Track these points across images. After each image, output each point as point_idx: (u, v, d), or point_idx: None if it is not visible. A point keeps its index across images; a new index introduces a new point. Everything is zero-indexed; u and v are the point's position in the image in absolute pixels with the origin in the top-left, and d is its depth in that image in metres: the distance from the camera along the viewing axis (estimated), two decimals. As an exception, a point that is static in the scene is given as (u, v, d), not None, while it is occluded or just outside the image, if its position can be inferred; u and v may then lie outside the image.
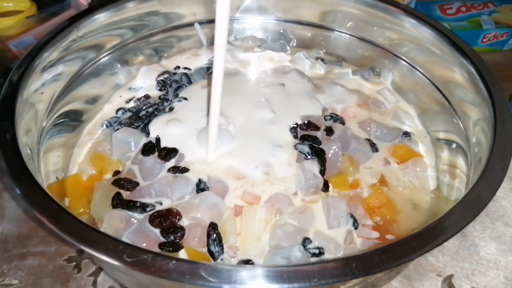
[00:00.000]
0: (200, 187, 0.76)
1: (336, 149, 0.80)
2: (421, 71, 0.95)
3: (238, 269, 0.52)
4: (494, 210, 0.94)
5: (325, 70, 1.04)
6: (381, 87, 1.00)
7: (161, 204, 0.75)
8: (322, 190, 0.78)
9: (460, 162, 0.80)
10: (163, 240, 0.71)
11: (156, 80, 0.99)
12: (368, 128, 0.89)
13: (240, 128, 0.85)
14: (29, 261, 0.84)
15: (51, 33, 0.83)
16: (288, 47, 1.09)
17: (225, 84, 0.95)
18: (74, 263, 0.84)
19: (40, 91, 0.79)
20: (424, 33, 0.91)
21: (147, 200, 0.75)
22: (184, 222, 0.72)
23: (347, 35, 1.04)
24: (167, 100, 0.93)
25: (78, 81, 0.90)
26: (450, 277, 0.83)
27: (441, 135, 0.90)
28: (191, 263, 0.53)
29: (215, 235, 0.70)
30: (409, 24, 0.93)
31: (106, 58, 0.96)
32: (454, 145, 0.84)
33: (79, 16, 0.88)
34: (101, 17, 0.90)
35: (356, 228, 0.75)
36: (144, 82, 0.98)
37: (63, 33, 0.84)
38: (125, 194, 0.77)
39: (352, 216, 0.76)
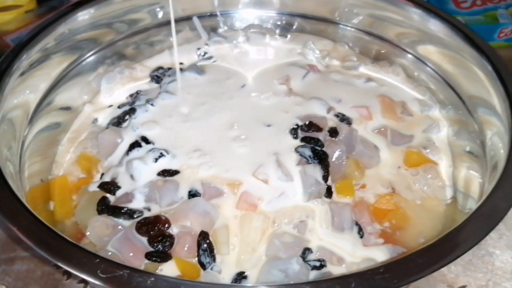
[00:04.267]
0: (192, 192, 0.70)
1: (340, 152, 0.74)
2: (432, 67, 0.89)
3: (222, 287, 0.47)
4: (511, 216, 0.87)
5: (338, 62, 0.97)
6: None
7: (149, 210, 0.70)
8: (325, 197, 0.72)
9: (475, 168, 0.74)
10: (151, 249, 0.66)
11: (150, 75, 0.95)
12: (382, 135, 0.83)
13: (236, 129, 0.80)
14: (17, 266, 0.80)
15: (28, 35, 0.79)
16: (289, 36, 1.03)
17: (222, 79, 0.91)
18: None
19: (20, 97, 0.75)
20: (435, 26, 0.85)
21: (134, 205, 0.70)
22: (173, 230, 0.67)
23: (353, 29, 0.98)
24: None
25: (60, 83, 0.85)
26: (462, 288, 0.77)
27: (457, 139, 0.83)
28: (172, 280, 0.48)
29: (205, 244, 0.65)
30: (419, 17, 0.87)
31: (90, 58, 0.91)
32: (468, 148, 0.78)
33: (56, 16, 0.83)
34: (81, 16, 0.86)
35: (361, 237, 0.70)
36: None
37: (42, 34, 0.80)
38: (112, 199, 0.72)
39: (357, 224, 0.70)
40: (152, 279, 0.47)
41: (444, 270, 0.80)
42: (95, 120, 0.88)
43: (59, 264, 0.49)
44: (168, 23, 0.98)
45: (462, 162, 0.80)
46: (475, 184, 0.72)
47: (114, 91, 0.92)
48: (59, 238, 0.52)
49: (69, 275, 0.80)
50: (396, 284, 0.47)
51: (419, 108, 0.88)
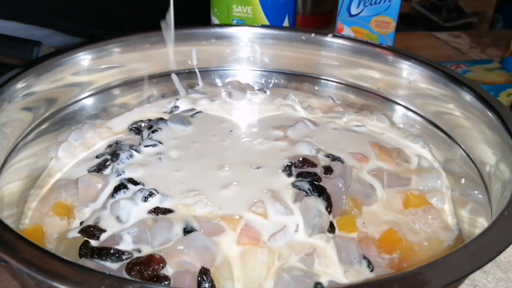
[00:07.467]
0: (187, 229, 0.64)
1: (340, 185, 0.72)
2: (417, 111, 0.91)
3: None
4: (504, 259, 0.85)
5: (321, 113, 0.96)
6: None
7: (139, 251, 0.62)
8: (328, 231, 0.68)
9: (480, 218, 0.71)
10: (144, 293, 0.57)
11: (129, 128, 0.90)
12: (378, 177, 0.80)
13: (229, 172, 0.77)
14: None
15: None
16: (268, 92, 1.02)
17: (214, 124, 0.88)
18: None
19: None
20: (414, 70, 0.88)
21: (122, 247, 0.62)
22: (168, 270, 0.60)
23: (334, 83, 1.00)
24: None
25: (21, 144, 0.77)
26: None
27: (457, 188, 0.81)
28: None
29: (207, 283, 0.58)
30: (397, 64, 0.90)
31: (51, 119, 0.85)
32: (470, 197, 0.75)
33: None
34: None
35: (371, 270, 0.65)
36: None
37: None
38: (96, 244, 0.64)
39: (365, 257, 0.66)
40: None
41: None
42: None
43: (56, 284, 0.41)
44: (131, 82, 0.97)
45: (464, 209, 0.76)
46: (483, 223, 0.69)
47: (87, 144, 0.86)
48: (50, 255, 0.44)
49: None
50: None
51: (415, 155, 0.87)
